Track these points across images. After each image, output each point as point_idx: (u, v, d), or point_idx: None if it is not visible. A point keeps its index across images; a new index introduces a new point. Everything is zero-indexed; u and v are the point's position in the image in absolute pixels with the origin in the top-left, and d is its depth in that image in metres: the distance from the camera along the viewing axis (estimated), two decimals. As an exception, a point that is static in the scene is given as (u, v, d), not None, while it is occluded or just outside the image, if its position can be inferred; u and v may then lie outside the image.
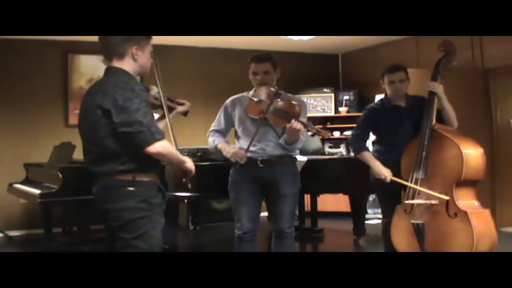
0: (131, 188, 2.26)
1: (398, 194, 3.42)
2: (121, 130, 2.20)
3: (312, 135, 3.17)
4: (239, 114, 3.43)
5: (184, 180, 2.48)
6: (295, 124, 3.10)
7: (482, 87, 5.92)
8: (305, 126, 3.12)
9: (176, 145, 2.52)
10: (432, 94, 3.36)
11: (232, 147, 3.38)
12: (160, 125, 2.56)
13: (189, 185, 2.51)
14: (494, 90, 5.95)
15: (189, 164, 2.43)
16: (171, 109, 2.69)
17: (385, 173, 3.36)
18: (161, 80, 2.57)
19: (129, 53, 2.33)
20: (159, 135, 2.24)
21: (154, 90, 2.60)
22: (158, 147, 2.23)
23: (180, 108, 2.73)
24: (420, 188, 3.23)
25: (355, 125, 3.75)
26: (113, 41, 2.32)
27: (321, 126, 3.18)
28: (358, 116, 7.02)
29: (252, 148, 3.34)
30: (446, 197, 3.15)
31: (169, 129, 2.54)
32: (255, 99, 3.29)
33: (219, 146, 3.43)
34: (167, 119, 2.58)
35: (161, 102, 2.58)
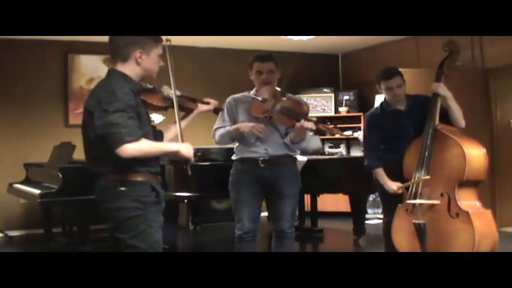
0: (122, 188, 2.27)
1: (400, 193, 3.42)
2: (98, 132, 2.21)
3: (323, 134, 3.15)
4: (242, 114, 3.41)
5: (184, 166, 2.43)
6: (307, 123, 3.07)
7: (482, 87, 5.92)
8: (316, 125, 3.09)
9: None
10: (435, 95, 3.36)
11: (249, 123, 3.28)
12: (182, 124, 2.56)
13: (189, 171, 2.42)
14: (494, 90, 5.95)
15: (184, 151, 2.38)
16: (189, 110, 2.63)
17: (393, 188, 3.35)
18: (175, 80, 2.52)
19: (132, 57, 2.33)
20: (130, 137, 2.19)
21: (167, 90, 2.54)
22: (128, 149, 2.19)
23: (204, 107, 2.66)
24: (422, 178, 3.19)
25: (362, 135, 3.74)
26: (117, 43, 2.33)
27: (332, 126, 3.16)
28: (358, 116, 7.18)
29: (254, 149, 3.34)
30: (427, 177, 3.17)
31: (178, 129, 2.49)
32: (259, 98, 3.28)
33: (234, 127, 3.34)
34: (177, 118, 2.50)
35: (173, 102, 2.50)
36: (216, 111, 2.75)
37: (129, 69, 2.34)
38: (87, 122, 2.30)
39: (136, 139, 2.21)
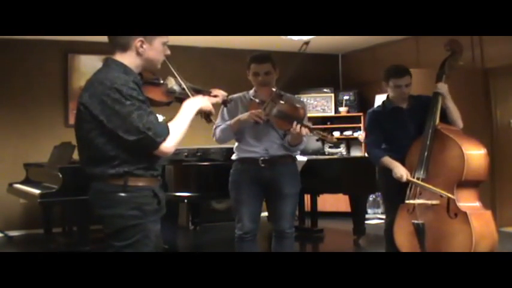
0: (122, 194, 2.08)
1: (403, 193, 3.42)
2: (122, 136, 2.01)
3: (317, 140, 3.13)
4: (240, 114, 3.40)
5: (208, 120, 2.32)
6: (301, 129, 3.04)
7: (482, 87, 5.92)
8: (310, 130, 3.06)
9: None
10: (436, 94, 3.36)
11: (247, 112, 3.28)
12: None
13: (212, 118, 2.35)
14: (494, 90, 5.96)
15: (204, 106, 2.24)
16: None
17: (402, 172, 3.31)
18: (179, 72, 2.37)
19: (132, 46, 2.11)
20: (161, 137, 2.02)
21: (172, 82, 2.36)
22: (165, 148, 2.04)
23: (212, 100, 2.43)
24: (435, 189, 3.18)
25: (364, 133, 3.75)
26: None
27: (323, 127, 3.15)
28: (358, 116, 7.18)
29: (254, 149, 3.33)
30: (452, 196, 3.13)
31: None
32: (257, 100, 3.27)
33: (234, 120, 3.32)
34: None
35: (178, 96, 2.35)
36: (225, 103, 2.59)
37: (129, 59, 2.13)
38: (84, 119, 2.07)
39: (166, 135, 2.04)
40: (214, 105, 2.39)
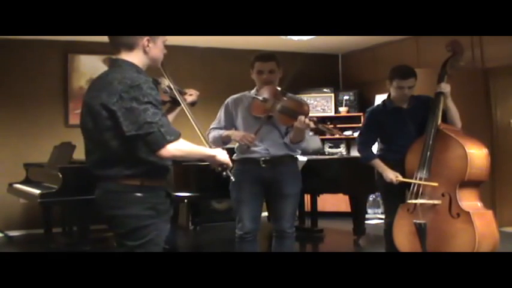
0: (139, 194, 2.10)
1: (403, 193, 3.42)
2: (129, 134, 2.02)
3: (323, 134, 3.13)
4: (241, 114, 3.41)
5: (224, 174, 2.28)
6: (307, 120, 3.04)
7: (482, 87, 5.92)
8: (316, 124, 3.06)
9: (205, 139, 2.39)
10: (439, 94, 3.36)
11: (241, 132, 3.33)
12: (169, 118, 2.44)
13: (231, 178, 2.32)
14: (494, 90, 5.95)
15: (220, 156, 2.23)
16: (178, 103, 2.49)
17: (391, 176, 3.36)
18: (168, 73, 2.41)
19: (139, 45, 2.15)
20: (172, 136, 2.04)
21: (165, 83, 2.42)
22: (171, 149, 2.04)
23: (189, 99, 2.55)
24: (426, 183, 3.22)
25: (359, 131, 3.76)
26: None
27: (332, 126, 3.13)
28: (358, 116, 7.18)
29: (255, 148, 3.33)
30: (435, 184, 3.18)
31: (192, 121, 2.38)
32: (260, 98, 3.27)
33: (226, 133, 3.37)
34: (185, 110, 2.40)
35: (171, 95, 2.42)
36: (193, 104, 2.60)
37: (136, 58, 2.16)
38: (101, 120, 2.07)
39: (177, 138, 2.07)
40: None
